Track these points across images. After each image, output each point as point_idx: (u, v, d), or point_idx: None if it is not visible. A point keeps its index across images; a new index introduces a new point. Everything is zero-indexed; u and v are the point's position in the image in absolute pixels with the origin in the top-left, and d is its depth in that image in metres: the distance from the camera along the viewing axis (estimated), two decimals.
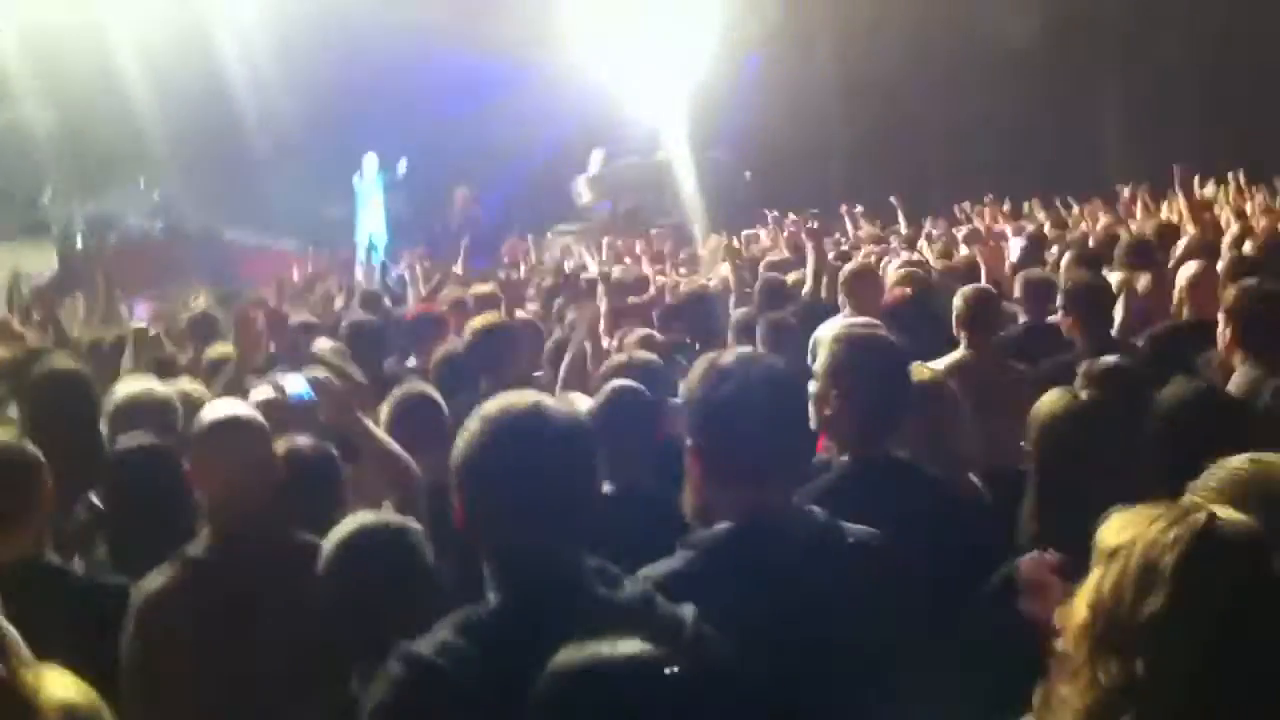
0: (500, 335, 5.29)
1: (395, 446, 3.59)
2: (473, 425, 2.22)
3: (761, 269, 8.25)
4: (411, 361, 6.41)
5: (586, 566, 2.19)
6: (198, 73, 17.20)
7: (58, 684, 2.43)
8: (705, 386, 2.52)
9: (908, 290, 6.12)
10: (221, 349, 6.05)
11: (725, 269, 8.31)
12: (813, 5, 17.63)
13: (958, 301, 5.34)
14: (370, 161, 17.75)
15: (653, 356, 4.60)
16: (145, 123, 17.40)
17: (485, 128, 18.32)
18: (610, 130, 18.66)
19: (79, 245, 16.60)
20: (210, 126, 17.71)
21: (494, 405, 2.24)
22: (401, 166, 17.88)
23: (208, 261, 16.05)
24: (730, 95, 17.67)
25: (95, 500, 4.05)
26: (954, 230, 11.08)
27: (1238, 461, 2.29)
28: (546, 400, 2.30)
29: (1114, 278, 6.24)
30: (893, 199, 12.14)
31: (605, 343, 5.92)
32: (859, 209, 12.37)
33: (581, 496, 2.24)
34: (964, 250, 8.96)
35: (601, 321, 6.14)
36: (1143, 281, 6.13)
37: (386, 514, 3.16)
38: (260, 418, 3.45)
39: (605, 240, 13.67)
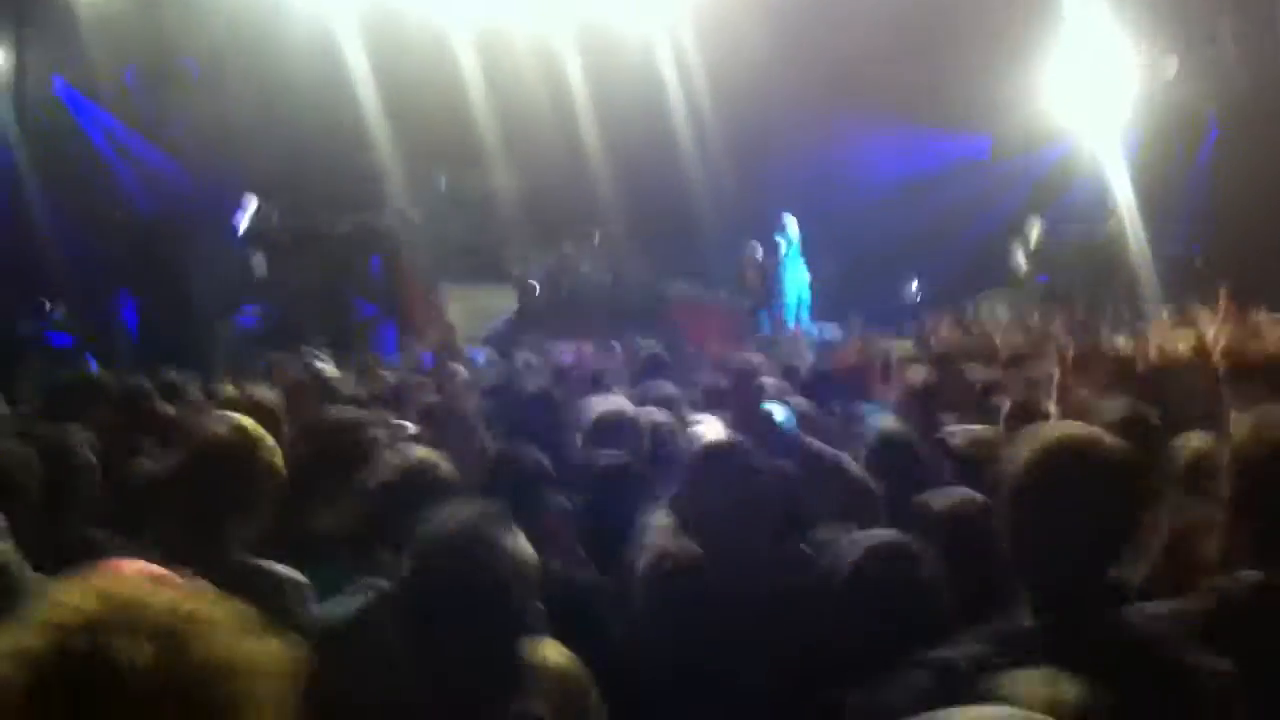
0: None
1: None
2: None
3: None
4: None
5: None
6: (644, 140, 18.32)
7: (553, 652, 2.67)
8: None
9: None
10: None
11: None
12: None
13: None
14: (791, 223, 18.04)
15: None
16: (598, 183, 18.67)
17: (924, 196, 18.33)
18: (1055, 198, 18.14)
19: (536, 292, 17.86)
20: (653, 187, 18.71)
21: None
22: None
23: (649, 313, 16.87)
24: (1187, 169, 16.78)
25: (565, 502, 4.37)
26: None
27: None
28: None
29: None
30: None
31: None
32: None
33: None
34: None
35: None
36: None
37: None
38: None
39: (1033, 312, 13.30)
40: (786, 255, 17.88)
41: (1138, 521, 2.38)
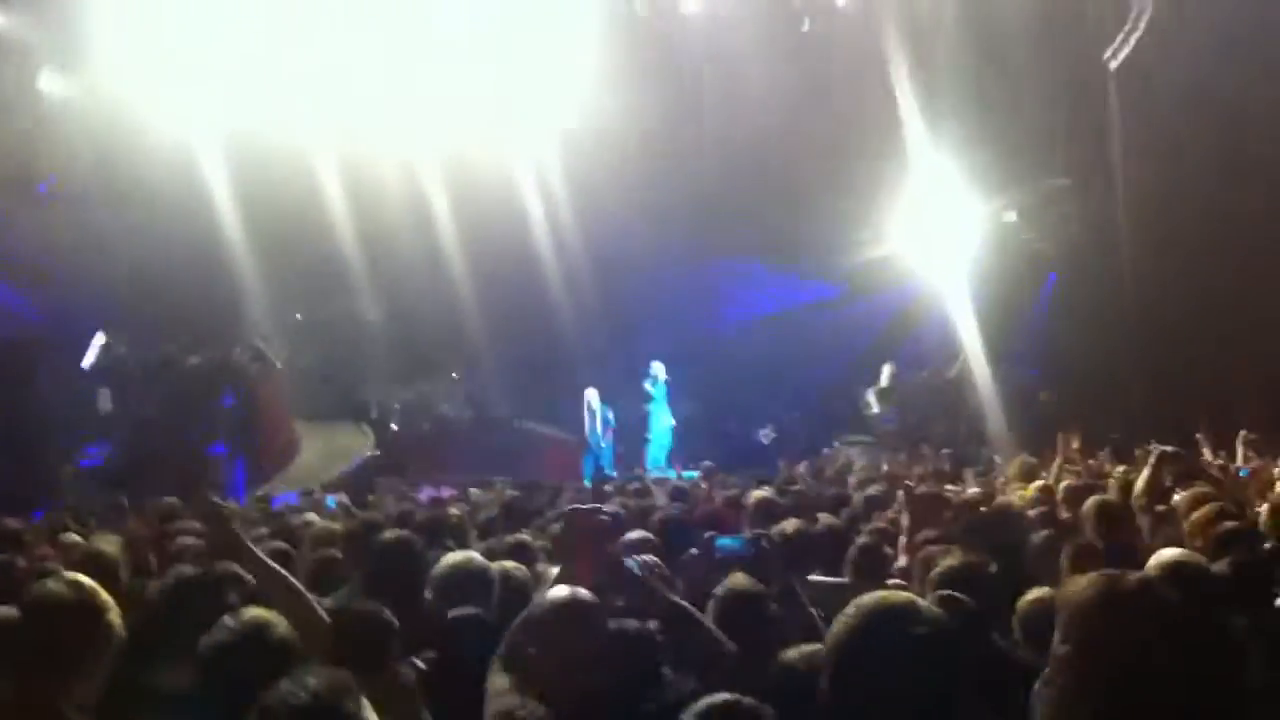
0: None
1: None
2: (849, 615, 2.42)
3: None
4: None
5: None
6: (508, 276, 18.50)
7: None
8: None
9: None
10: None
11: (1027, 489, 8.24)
12: (1111, 226, 17.27)
13: None
14: (658, 368, 18.34)
15: None
16: (460, 318, 18.70)
17: (779, 338, 18.77)
18: (903, 344, 18.72)
19: (395, 429, 17.65)
20: (515, 323, 18.83)
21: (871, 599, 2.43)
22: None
23: (509, 452, 16.77)
24: (1028, 312, 17.56)
25: (418, 662, 4.31)
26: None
27: None
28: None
29: None
30: (1198, 435, 11.10)
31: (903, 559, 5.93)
32: None
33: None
34: None
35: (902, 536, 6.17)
36: None
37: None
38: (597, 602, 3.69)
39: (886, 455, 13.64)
40: (654, 399, 18.13)
41: (956, 688, 2.44)
